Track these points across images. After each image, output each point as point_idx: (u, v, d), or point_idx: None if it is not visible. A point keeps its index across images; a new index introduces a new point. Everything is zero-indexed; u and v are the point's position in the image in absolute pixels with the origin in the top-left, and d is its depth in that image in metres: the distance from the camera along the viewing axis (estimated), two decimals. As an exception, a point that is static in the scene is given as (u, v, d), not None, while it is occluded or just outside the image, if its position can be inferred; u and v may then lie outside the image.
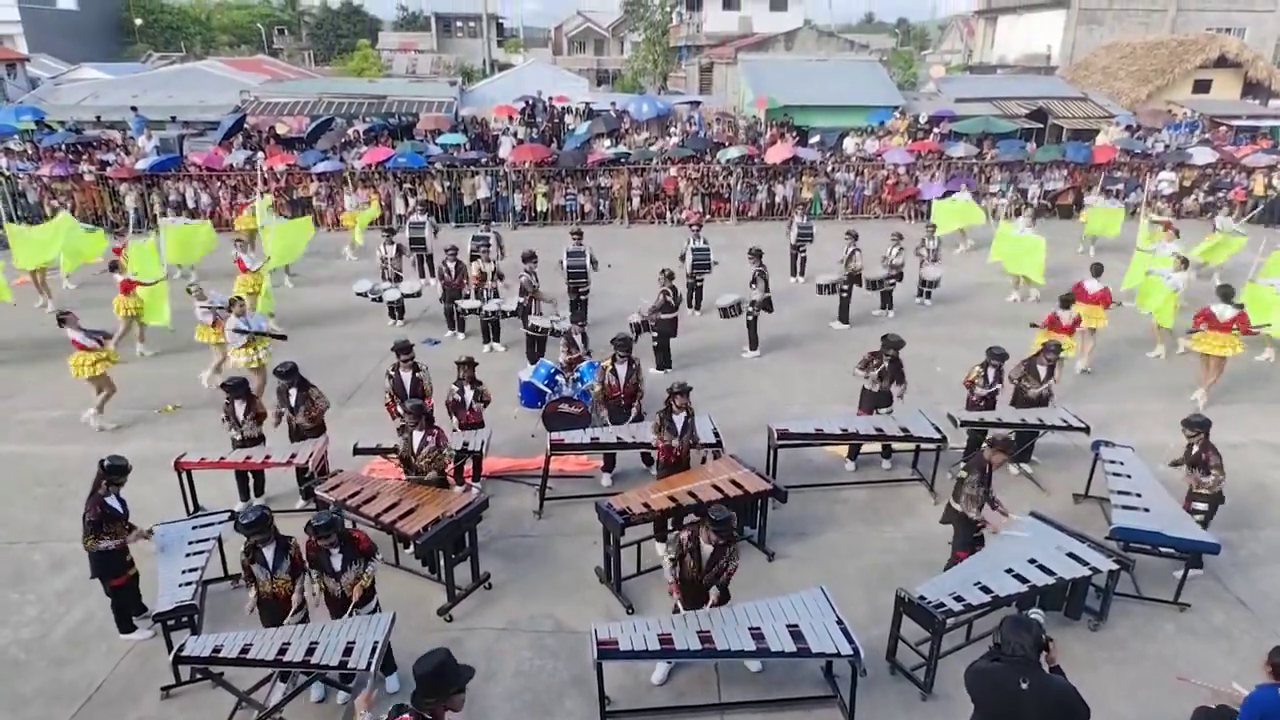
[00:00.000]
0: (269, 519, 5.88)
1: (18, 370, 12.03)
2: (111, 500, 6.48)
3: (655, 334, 11.80)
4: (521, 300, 12.26)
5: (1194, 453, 7.34)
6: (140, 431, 10.21)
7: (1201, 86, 31.91)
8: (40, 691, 6.14)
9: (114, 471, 6.51)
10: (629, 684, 6.16)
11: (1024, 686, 4.23)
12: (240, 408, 8.31)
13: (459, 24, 69.92)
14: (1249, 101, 31.47)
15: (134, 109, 27.02)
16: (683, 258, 13.87)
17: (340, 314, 14.57)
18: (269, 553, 5.86)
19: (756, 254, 12.57)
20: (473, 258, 13.29)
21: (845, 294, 13.82)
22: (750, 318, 12.52)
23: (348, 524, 7.28)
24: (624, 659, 5.67)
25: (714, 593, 5.97)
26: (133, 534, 6.56)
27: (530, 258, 12.42)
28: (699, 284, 14.29)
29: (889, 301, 14.58)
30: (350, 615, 5.83)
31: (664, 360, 11.93)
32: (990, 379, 9.08)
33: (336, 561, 5.86)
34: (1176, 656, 6.44)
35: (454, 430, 8.64)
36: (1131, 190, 22.48)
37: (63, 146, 23.79)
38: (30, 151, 23.72)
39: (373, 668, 5.33)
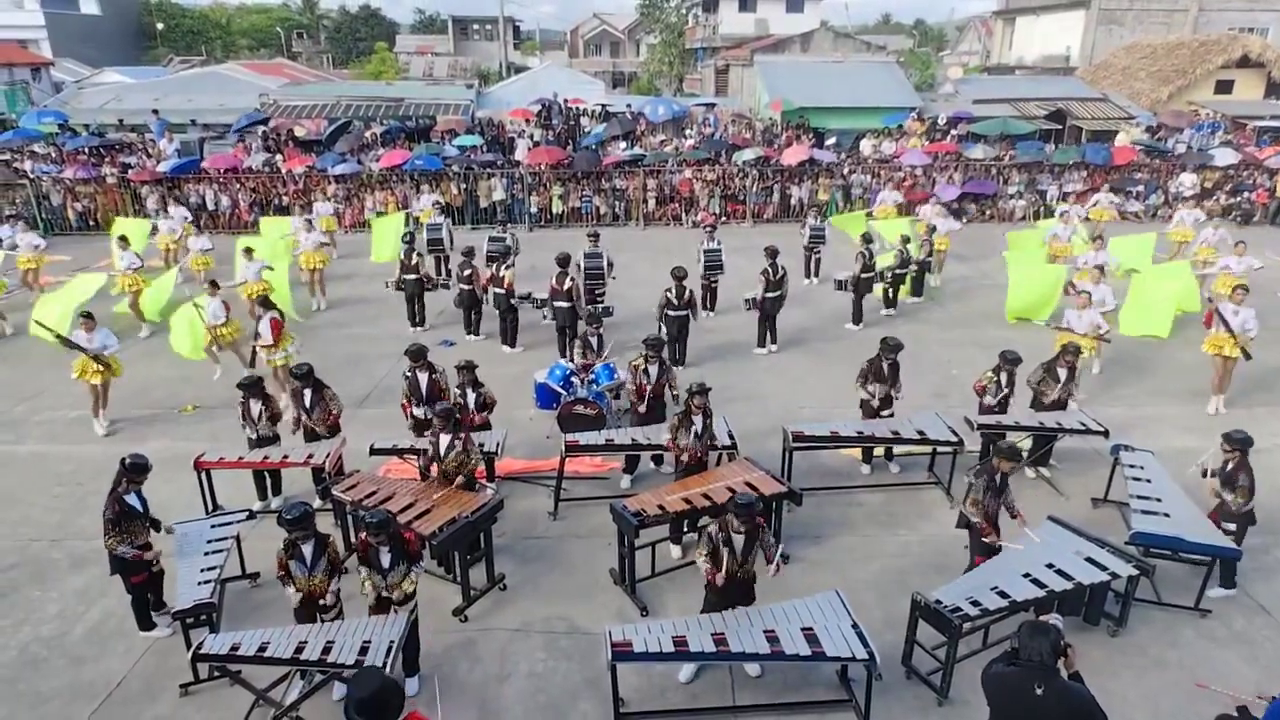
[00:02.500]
0: (312, 516, 5.93)
1: (39, 371, 12.17)
2: (130, 498, 6.54)
3: (668, 332, 11.87)
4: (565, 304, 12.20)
5: (1228, 470, 7.12)
6: (159, 431, 10.31)
7: (1223, 87, 31.56)
8: (60, 689, 6.21)
9: (135, 470, 6.58)
10: (643, 686, 6.16)
11: (1040, 692, 4.19)
12: (256, 407, 8.39)
13: (476, 27, 70.28)
14: (1272, 102, 31.08)
15: (155, 112, 27.36)
16: (697, 260, 13.87)
17: (357, 315, 14.67)
18: (308, 550, 5.90)
19: (772, 253, 12.57)
20: (489, 259, 13.31)
21: (857, 294, 13.80)
22: (749, 307, 12.73)
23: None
24: (638, 661, 5.67)
25: (771, 569, 5.94)
26: (150, 553, 6.58)
27: (565, 261, 12.40)
28: (713, 285, 14.28)
29: (893, 301, 14.58)
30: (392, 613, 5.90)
31: (679, 356, 12.04)
32: (1003, 383, 8.99)
33: (385, 559, 5.91)
34: (1197, 663, 6.35)
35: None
36: (1151, 193, 22.28)
37: (86, 149, 24.11)
38: (54, 154, 24.07)
39: (388, 668, 5.35)
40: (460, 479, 7.54)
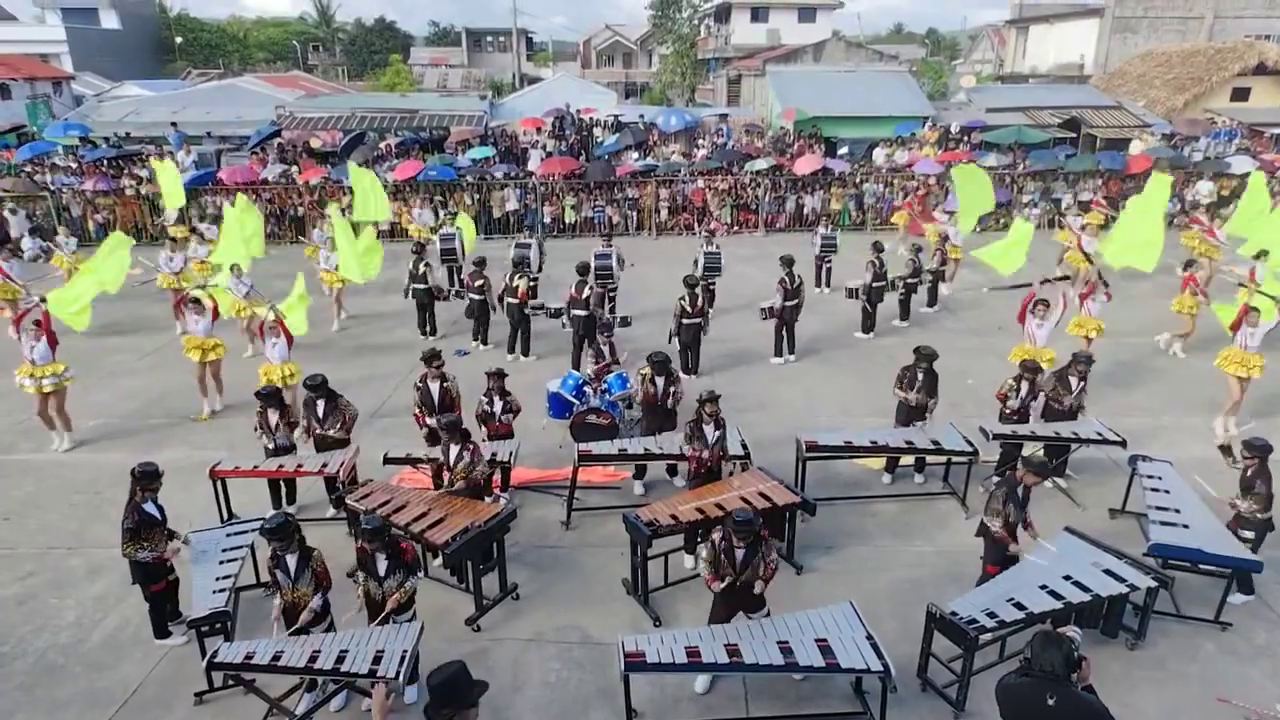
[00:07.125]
0: (290, 527, 5.95)
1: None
2: (149, 506, 6.60)
3: (681, 340, 11.88)
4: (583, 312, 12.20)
5: (1247, 476, 7.10)
6: (175, 440, 10.39)
7: (1240, 94, 31.32)
8: (76, 696, 6.25)
9: (145, 478, 6.64)
10: (656, 696, 6.13)
11: (1051, 703, 4.15)
12: (274, 416, 8.43)
13: (489, 39, 70.85)
14: (1290, 109, 30.82)
15: (174, 124, 27.69)
16: (695, 262, 13.89)
17: (370, 325, 14.74)
18: (291, 561, 5.95)
19: (788, 261, 12.55)
20: (515, 265, 13.33)
21: (869, 303, 13.75)
22: (765, 316, 12.70)
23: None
24: (651, 671, 5.64)
25: (759, 585, 6.03)
26: (169, 547, 6.64)
27: (585, 270, 12.39)
28: (710, 287, 14.22)
29: (906, 311, 14.53)
30: (382, 624, 5.87)
31: (692, 364, 12.03)
32: (1023, 392, 8.95)
33: (382, 567, 5.94)
34: (1217, 677, 6.27)
35: (483, 440, 8.69)
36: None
37: (105, 161, 24.40)
38: (74, 166, 24.38)
39: (402, 676, 5.36)
40: (460, 485, 7.53)
